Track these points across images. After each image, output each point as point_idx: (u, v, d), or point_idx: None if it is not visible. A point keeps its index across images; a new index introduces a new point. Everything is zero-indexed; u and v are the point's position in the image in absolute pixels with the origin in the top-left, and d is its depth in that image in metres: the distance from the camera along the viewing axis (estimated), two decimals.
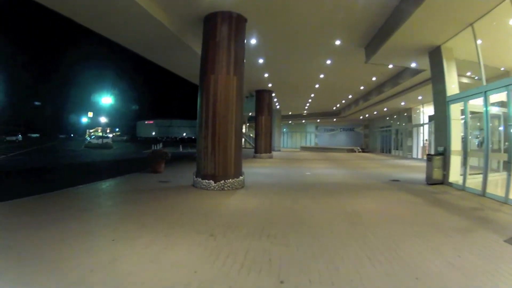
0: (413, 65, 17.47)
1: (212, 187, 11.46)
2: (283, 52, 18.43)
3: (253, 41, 16.08)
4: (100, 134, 68.77)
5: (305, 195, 10.83)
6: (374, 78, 24.97)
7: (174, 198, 9.99)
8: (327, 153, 43.69)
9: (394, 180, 14.79)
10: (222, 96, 11.84)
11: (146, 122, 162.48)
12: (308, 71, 22.95)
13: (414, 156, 32.22)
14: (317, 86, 27.83)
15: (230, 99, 11.94)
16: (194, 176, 12.16)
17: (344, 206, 9.03)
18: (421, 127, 31.61)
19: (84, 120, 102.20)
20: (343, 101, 39.17)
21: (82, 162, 25.79)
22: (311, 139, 63.04)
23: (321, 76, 23.87)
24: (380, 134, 45.06)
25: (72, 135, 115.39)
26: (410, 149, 33.68)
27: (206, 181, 11.59)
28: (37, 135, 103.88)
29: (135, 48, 16.92)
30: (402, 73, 22.16)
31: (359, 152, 46.34)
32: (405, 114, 35.74)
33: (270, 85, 28.26)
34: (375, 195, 10.91)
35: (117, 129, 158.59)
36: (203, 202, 9.52)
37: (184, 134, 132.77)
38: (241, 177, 12.20)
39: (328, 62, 19.86)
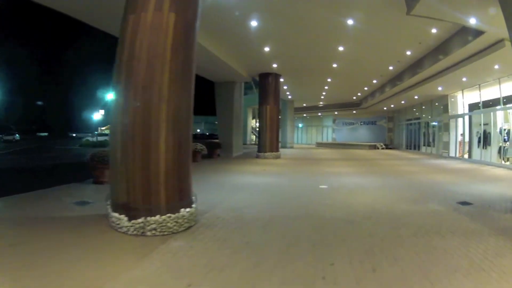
0: (473, 21, 11.59)
1: (125, 229, 5.89)
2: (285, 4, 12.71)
3: None
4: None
5: (313, 266, 4.59)
6: (408, 53, 18.69)
7: (24, 259, 4.73)
8: (347, 150, 38.44)
9: (463, 203, 8.77)
10: (143, 50, 6.11)
11: None
12: (323, 42, 17.11)
13: (452, 154, 25.89)
14: (335, 65, 21.76)
15: (159, 55, 6.15)
16: (106, 203, 6.52)
17: None
18: (460, 119, 25.25)
19: (96, 117, 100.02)
20: (366, 88, 33.18)
21: (41, 164, 20.41)
22: (328, 134, 57.23)
23: (340, 48, 17.82)
24: (406, 128, 39.22)
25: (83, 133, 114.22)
26: (445, 145, 27.37)
27: (117, 215, 5.98)
28: (46, 134, 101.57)
29: None
30: (449, 41, 15.99)
31: (383, 148, 41.13)
32: (437, 103, 29.88)
33: (275, 65, 22.23)
34: (467, 267, 4.60)
35: None
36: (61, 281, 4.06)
37: (198, 130, 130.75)
38: (186, 210, 6.29)
39: (350, 22, 13.86)
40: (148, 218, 5.83)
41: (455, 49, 15.48)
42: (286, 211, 7.85)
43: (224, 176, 13.95)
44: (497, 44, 13.49)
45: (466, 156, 23.75)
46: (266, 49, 18.26)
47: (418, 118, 35.17)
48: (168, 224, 5.95)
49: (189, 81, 6.68)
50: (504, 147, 18.99)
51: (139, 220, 5.81)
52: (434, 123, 31.45)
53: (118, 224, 5.93)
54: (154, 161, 6.07)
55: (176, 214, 6.09)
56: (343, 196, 9.83)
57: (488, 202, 8.99)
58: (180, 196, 6.43)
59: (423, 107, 33.55)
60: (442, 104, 28.58)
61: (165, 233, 5.87)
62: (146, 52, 6.12)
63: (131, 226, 5.82)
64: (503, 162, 18.78)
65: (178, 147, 6.39)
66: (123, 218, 5.88)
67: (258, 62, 21.71)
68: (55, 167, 19.19)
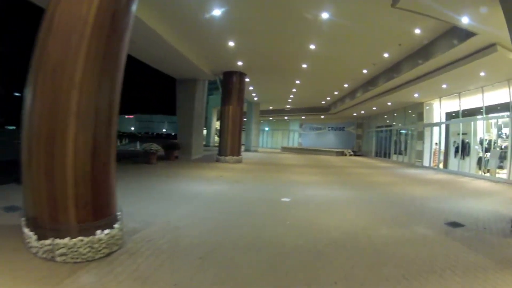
0: (465, 20, 10.53)
1: (34, 250, 4.71)
2: None
3: None
4: None
5: None
6: (386, 55, 17.57)
7: None
8: (313, 155, 37.09)
9: (453, 224, 7.57)
10: (62, 23, 4.86)
11: (126, 116, 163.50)
12: (293, 39, 15.71)
13: (426, 164, 25.22)
14: (304, 66, 20.48)
15: (77, 29, 4.83)
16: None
17: None
18: (435, 128, 24.71)
19: None
20: (336, 93, 32.14)
21: None
22: (295, 139, 56.33)
23: (312, 47, 16.45)
24: (376, 135, 38.56)
25: None
26: (419, 154, 26.83)
27: (27, 232, 4.85)
28: (14, 127, 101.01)
29: None
30: (432, 44, 14.90)
31: (351, 155, 40.18)
32: (410, 111, 29.39)
33: (240, 63, 20.73)
34: None
35: None
36: None
37: (164, 130, 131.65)
38: (105, 232, 4.96)
39: (325, 15, 12.50)
40: (57, 240, 4.54)
41: (439, 53, 14.53)
42: (235, 235, 6.31)
43: (175, 182, 12.50)
44: (488, 48, 12.68)
45: (441, 166, 23.27)
46: (231, 44, 16.78)
47: (390, 126, 34.59)
48: (81, 250, 4.60)
49: (115, 67, 5.26)
50: (484, 158, 18.54)
51: (47, 242, 4.55)
52: (402, 131, 31.23)
53: (29, 242, 4.74)
54: (59, 167, 4.67)
55: (91, 237, 4.72)
56: (309, 214, 8.38)
57: (481, 222, 7.92)
58: (97, 214, 4.96)
59: (395, 114, 33.03)
60: (416, 112, 28.11)
61: (78, 260, 4.57)
62: (64, 25, 4.78)
63: (40, 247, 4.59)
64: (482, 173, 18.36)
65: (92, 150, 4.91)
66: (32, 236, 4.69)
67: (222, 59, 20.21)
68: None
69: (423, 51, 15.71)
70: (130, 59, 19.08)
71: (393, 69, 19.60)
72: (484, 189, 14.07)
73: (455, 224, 7.59)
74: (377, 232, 6.80)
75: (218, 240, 5.84)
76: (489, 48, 12.59)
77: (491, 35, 11.56)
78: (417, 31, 13.55)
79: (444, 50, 13.94)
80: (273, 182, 14.22)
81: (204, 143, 46.64)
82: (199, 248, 5.37)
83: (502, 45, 12.20)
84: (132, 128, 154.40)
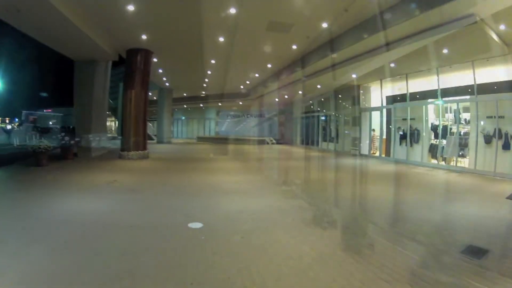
0: None
1: None
2: None
3: None
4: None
5: None
6: (325, 25, 14.98)
7: None
8: (232, 145, 35.03)
9: (473, 252, 5.24)
10: None
11: (44, 110, 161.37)
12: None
13: (364, 152, 24.09)
14: (221, 39, 17.66)
15: None
16: None
17: None
18: (375, 113, 23.40)
19: None
20: (256, 75, 29.73)
21: None
22: (211, 128, 54.54)
23: (232, 11, 13.59)
24: (302, 122, 36.98)
25: None
26: (355, 142, 25.40)
27: None
28: None
29: None
30: (388, 12, 12.53)
31: (273, 144, 38.72)
32: (340, 95, 27.90)
33: (144, 37, 17.31)
34: None
35: (16, 119, 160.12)
36: None
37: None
38: None
39: None
40: None
41: (397, 22, 12.38)
42: None
43: (48, 196, 8.90)
44: (465, 19, 10.84)
45: (377, 153, 22.51)
46: (130, 8, 13.26)
47: (317, 111, 33.22)
48: None
49: None
50: (438, 145, 17.39)
51: None
52: (331, 117, 30.15)
53: None
54: None
55: None
56: (236, 264, 4.81)
57: (501, 240, 6.10)
58: None
59: (323, 99, 31.64)
60: (350, 96, 26.43)
61: None
62: None
63: None
64: (437, 162, 17.20)
65: None
66: None
67: (123, 32, 16.83)
68: None
69: (376, 20, 13.28)
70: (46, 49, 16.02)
71: (331, 44, 17.15)
72: (457, 183, 12.57)
73: (475, 251, 5.38)
74: None
75: None
76: (467, 18, 10.80)
77: (473, 3, 9.87)
78: None
79: (405, 18, 11.83)
80: (181, 188, 10.81)
81: (116, 135, 43.02)
82: None
83: (482, 18, 10.77)
84: (50, 123, 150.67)
